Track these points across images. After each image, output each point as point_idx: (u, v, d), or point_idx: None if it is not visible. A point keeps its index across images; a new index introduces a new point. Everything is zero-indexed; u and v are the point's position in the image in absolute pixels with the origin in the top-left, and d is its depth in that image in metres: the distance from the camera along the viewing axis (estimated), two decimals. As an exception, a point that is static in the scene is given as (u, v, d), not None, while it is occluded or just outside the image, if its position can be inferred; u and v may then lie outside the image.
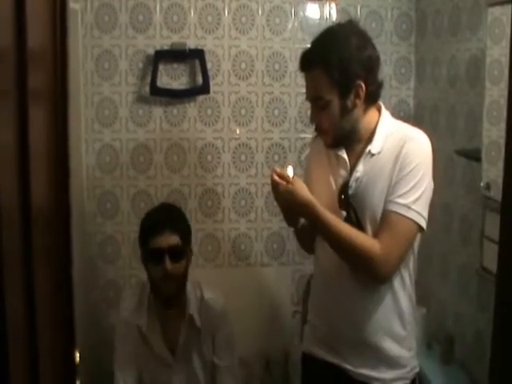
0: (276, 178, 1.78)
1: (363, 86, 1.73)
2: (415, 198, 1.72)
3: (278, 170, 1.79)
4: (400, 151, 1.74)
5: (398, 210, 1.72)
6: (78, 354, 1.35)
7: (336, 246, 1.79)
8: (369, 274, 1.79)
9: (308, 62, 1.78)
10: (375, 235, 1.76)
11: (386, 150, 1.77)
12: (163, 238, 2.26)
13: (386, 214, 1.74)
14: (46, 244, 1.17)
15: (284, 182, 1.77)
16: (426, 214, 1.75)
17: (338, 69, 1.71)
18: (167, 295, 2.30)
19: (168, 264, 2.23)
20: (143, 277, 2.42)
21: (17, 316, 0.95)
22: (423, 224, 1.75)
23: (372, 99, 1.80)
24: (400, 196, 1.72)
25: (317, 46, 1.79)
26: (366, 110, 1.80)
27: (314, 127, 1.87)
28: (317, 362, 1.95)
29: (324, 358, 1.92)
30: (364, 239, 1.75)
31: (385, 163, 1.76)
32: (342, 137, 1.81)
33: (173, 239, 2.27)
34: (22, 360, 0.99)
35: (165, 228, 2.27)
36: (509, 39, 2.00)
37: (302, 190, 1.77)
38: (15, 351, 0.93)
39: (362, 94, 1.74)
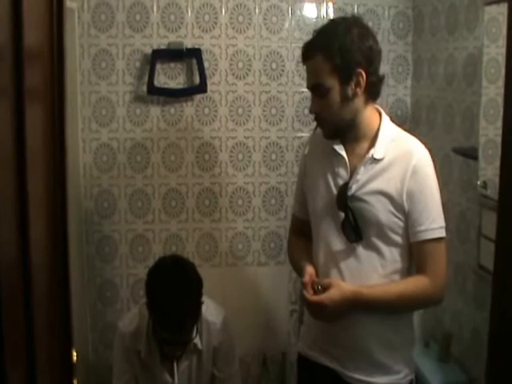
0: (314, 298, 1.75)
1: (364, 74, 1.74)
2: (441, 215, 1.79)
3: (311, 293, 1.77)
4: (407, 168, 1.75)
5: (436, 235, 1.77)
6: (75, 354, 1.35)
7: (394, 309, 1.82)
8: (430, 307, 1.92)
9: (310, 49, 1.78)
10: (417, 268, 1.81)
11: (389, 158, 1.77)
12: (177, 337, 2.12)
13: (423, 244, 1.77)
14: (44, 238, 1.17)
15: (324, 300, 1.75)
16: None
17: (340, 55, 1.71)
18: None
19: (177, 353, 2.16)
20: (141, 275, 2.40)
21: (15, 315, 0.95)
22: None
23: (373, 92, 1.80)
24: (432, 221, 1.77)
25: (319, 34, 1.80)
26: (366, 103, 1.80)
27: (313, 117, 1.84)
28: (312, 364, 1.95)
29: (319, 360, 1.91)
30: (414, 286, 1.79)
31: (392, 176, 1.76)
32: (342, 128, 1.80)
33: (188, 335, 2.15)
34: (20, 359, 0.99)
35: (181, 329, 2.10)
36: (505, 38, 2.00)
37: (343, 287, 1.77)
38: (13, 351, 0.92)
39: (363, 82, 1.74)
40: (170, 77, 2.91)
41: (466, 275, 2.51)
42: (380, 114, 1.85)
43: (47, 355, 1.17)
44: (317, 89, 1.78)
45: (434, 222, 1.76)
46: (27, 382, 1.01)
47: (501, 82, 2.15)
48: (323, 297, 1.74)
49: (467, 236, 2.49)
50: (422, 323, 2.70)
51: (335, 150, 1.83)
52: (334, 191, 1.82)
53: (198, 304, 2.13)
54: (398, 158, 1.77)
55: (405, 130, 1.89)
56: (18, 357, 0.97)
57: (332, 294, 1.74)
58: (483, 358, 1.57)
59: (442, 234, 1.78)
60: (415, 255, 1.81)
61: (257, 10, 2.94)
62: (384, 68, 2.97)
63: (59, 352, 1.27)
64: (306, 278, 1.81)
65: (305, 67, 1.83)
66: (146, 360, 2.23)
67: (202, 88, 2.89)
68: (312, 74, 1.79)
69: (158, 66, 2.88)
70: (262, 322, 3.09)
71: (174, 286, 2.07)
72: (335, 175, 1.83)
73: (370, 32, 1.80)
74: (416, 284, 1.78)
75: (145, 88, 2.86)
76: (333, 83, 1.74)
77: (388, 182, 1.76)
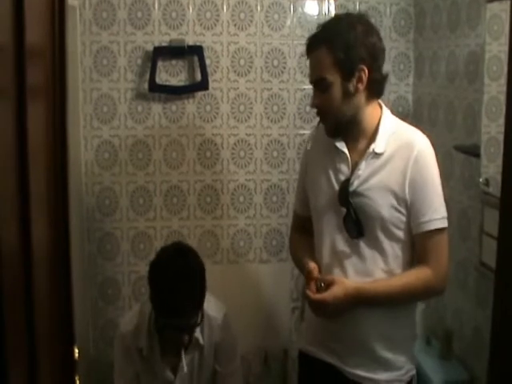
0: (317, 296, 1.76)
1: (366, 70, 1.74)
2: (443, 205, 1.79)
3: (314, 291, 1.78)
4: (408, 159, 1.74)
5: (438, 226, 1.77)
6: (76, 351, 1.35)
7: (397, 302, 1.82)
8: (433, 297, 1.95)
9: (313, 41, 1.78)
10: (419, 259, 1.79)
11: (390, 151, 1.77)
12: (182, 320, 2.10)
13: (426, 235, 1.77)
14: (45, 235, 1.17)
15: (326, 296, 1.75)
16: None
17: (343, 49, 1.71)
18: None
19: (184, 340, 2.14)
20: (142, 272, 2.41)
21: (16, 312, 0.95)
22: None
23: (375, 90, 1.80)
24: (435, 211, 1.76)
25: (323, 27, 1.80)
26: (368, 100, 1.79)
27: (316, 113, 1.84)
28: (312, 361, 1.94)
29: (319, 356, 1.91)
30: (417, 277, 1.78)
31: (393, 169, 1.76)
32: (344, 124, 1.80)
33: (193, 320, 2.12)
34: (22, 356, 0.99)
35: (185, 312, 2.08)
36: (507, 35, 2.00)
37: (345, 284, 1.76)
38: (15, 348, 0.92)
39: (365, 78, 1.74)
40: (172, 74, 2.91)
41: (467, 272, 2.51)
42: (381, 108, 1.85)
43: (49, 352, 1.17)
44: (319, 83, 1.78)
45: (436, 213, 1.76)
46: (29, 378, 1.01)
47: (503, 80, 2.14)
48: (326, 295, 1.74)
49: (469, 233, 2.49)
50: (424, 320, 2.69)
51: (337, 148, 1.83)
52: (336, 187, 1.82)
53: (202, 288, 2.13)
54: (399, 150, 1.77)
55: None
56: (19, 354, 0.97)
57: (335, 292, 1.74)
58: (485, 355, 1.57)
59: (445, 224, 1.78)
60: (417, 246, 1.80)
61: (258, 7, 2.93)
62: (386, 65, 2.93)
63: (61, 349, 1.27)
64: (309, 275, 1.81)
65: (308, 61, 1.83)
66: (148, 357, 2.23)
67: (203, 85, 2.89)
68: (315, 68, 1.79)
69: (160, 64, 2.87)
70: (264, 320, 3.09)
71: (176, 273, 2.09)
72: (337, 171, 1.83)
73: (374, 29, 1.80)
74: (418, 276, 1.78)
75: (146, 85, 2.86)
76: (335, 78, 1.74)
77: (390, 176, 1.76)
